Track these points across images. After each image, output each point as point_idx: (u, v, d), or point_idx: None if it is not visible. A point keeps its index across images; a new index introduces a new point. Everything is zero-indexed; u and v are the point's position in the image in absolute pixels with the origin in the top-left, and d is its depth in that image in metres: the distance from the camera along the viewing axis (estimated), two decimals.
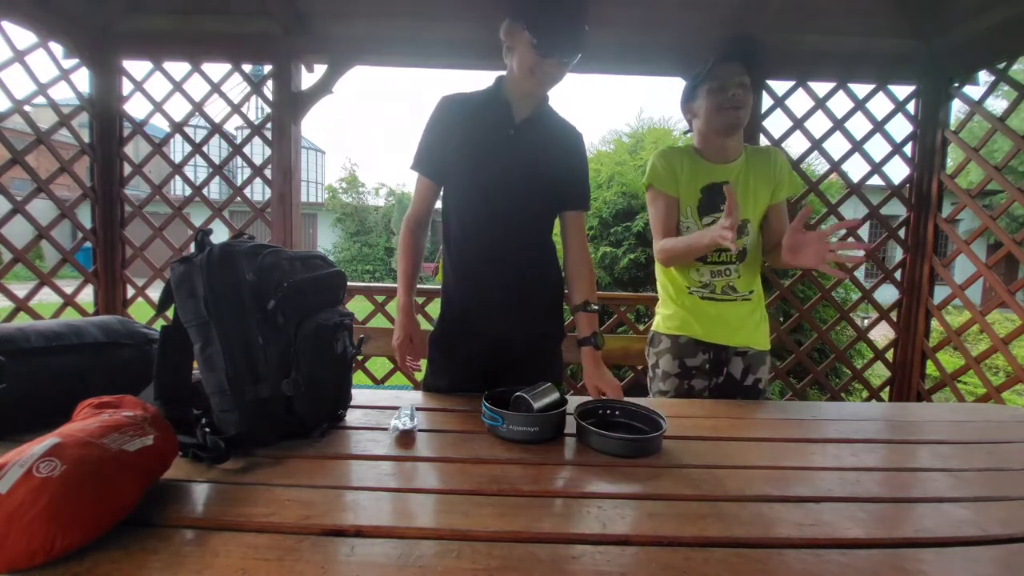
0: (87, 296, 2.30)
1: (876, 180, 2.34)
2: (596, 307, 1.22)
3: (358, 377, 1.44)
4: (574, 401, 1.04)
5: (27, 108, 2.07)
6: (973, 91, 2.14)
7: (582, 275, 1.25)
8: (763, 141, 2.28)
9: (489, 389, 1.02)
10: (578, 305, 1.22)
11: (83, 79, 2.23)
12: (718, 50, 1.33)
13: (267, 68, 2.29)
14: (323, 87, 2.31)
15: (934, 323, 2.30)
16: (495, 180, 1.17)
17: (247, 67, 2.32)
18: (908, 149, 2.31)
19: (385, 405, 1.11)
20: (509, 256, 1.19)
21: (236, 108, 2.33)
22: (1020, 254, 1.91)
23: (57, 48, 2.12)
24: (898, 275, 2.36)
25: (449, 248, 1.24)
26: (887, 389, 2.42)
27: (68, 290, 2.25)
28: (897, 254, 2.59)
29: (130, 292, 2.42)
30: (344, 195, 16.35)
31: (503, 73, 1.20)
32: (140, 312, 1.94)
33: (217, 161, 2.37)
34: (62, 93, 2.18)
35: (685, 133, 3.90)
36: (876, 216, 2.32)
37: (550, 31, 1.05)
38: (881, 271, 2.38)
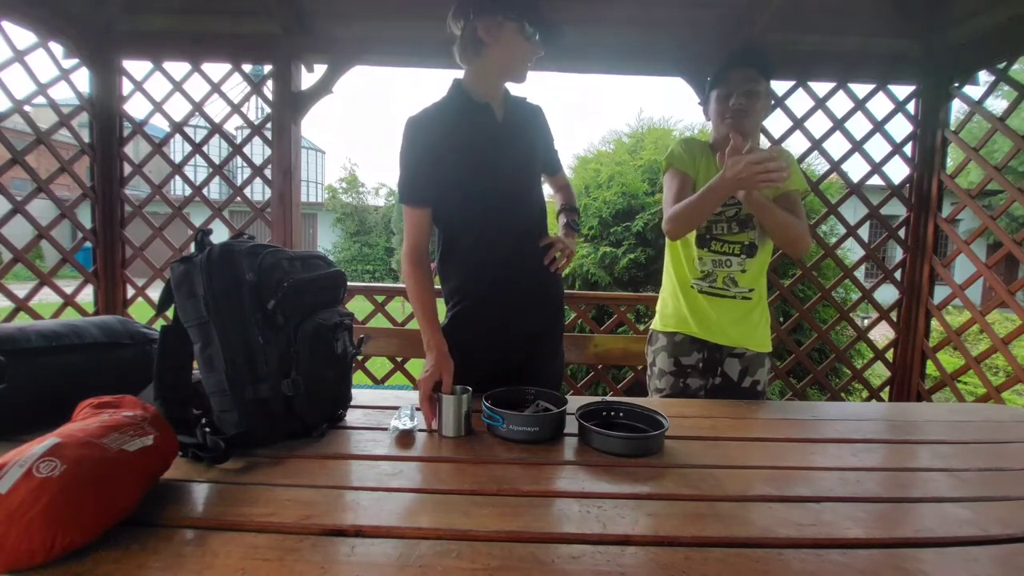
0: (87, 296, 2.30)
1: (876, 180, 2.33)
2: (576, 211, 1.40)
3: (358, 377, 1.44)
4: (574, 401, 1.03)
5: (27, 108, 2.06)
6: (973, 91, 2.14)
7: (569, 196, 1.42)
8: (763, 141, 2.28)
9: (490, 388, 1.02)
10: (561, 207, 1.39)
11: (83, 79, 2.23)
12: (730, 55, 1.34)
13: (267, 68, 2.29)
14: (323, 87, 2.31)
15: (934, 323, 2.30)
16: (498, 181, 1.17)
17: (247, 67, 2.32)
18: (908, 149, 2.31)
19: (385, 405, 1.11)
20: (523, 251, 1.21)
21: (236, 108, 2.33)
22: (1020, 254, 1.91)
23: (57, 48, 2.12)
24: (898, 275, 2.36)
25: (454, 259, 1.23)
26: (887, 389, 2.42)
27: (68, 290, 2.25)
28: (897, 254, 2.59)
29: (130, 292, 2.42)
30: (344, 195, 16.37)
31: (459, 77, 1.20)
32: (140, 312, 1.93)
33: (217, 161, 2.37)
34: (62, 93, 2.18)
35: (684, 133, 3.91)
36: (876, 216, 2.32)
37: (547, 21, 1.12)
38: (881, 271, 2.38)
